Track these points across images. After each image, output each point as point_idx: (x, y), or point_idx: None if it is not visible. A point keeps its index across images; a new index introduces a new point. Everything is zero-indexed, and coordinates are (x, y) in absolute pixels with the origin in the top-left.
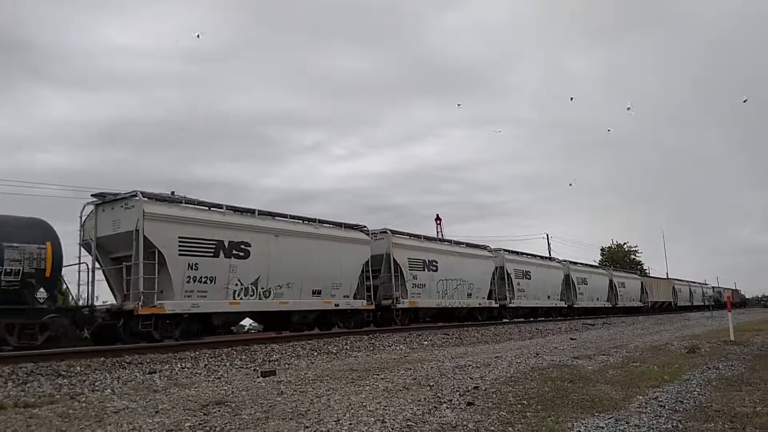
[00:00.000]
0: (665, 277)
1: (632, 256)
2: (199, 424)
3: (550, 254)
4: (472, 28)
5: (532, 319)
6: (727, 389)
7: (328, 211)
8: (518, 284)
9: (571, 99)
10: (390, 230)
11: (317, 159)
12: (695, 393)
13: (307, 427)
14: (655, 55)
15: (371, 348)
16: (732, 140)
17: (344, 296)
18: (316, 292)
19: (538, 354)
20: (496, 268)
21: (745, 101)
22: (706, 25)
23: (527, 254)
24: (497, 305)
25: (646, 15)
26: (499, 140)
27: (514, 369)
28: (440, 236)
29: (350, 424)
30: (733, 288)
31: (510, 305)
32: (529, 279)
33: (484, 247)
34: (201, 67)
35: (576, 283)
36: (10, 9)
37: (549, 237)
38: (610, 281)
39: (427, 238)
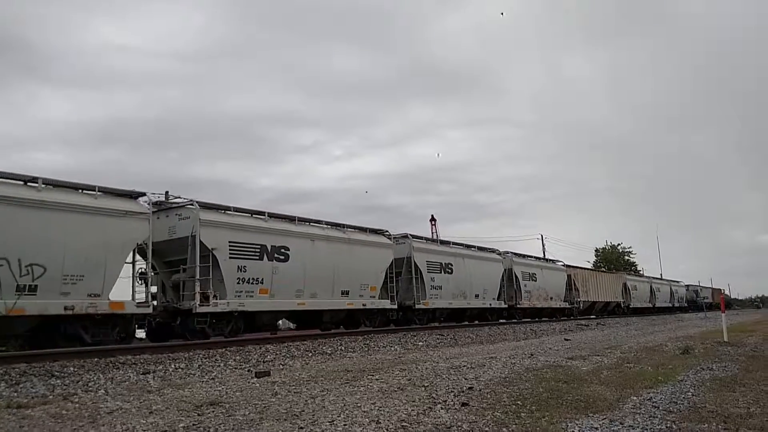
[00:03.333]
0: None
1: (626, 257)
2: (193, 424)
3: (544, 255)
4: (471, 30)
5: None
6: (721, 390)
7: (325, 211)
8: (275, 270)
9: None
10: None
11: (314, 159)
12: (689, 394)
13: (301, 428)
14: (655, 57)
15: (366, 349)
16: (730, 142)
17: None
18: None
19: (532, 355)
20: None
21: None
22: (706, 27)
23: (301, 220)
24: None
25: (646, 17)
26: (497, 141)
27: (509, 370)
28: (435, 237)
29: (345, 424)
30: (715, 287)
31: (229, 310)
32: (285, 261)
33: (184, 204)
34: (198, 66)
35: (428, 272)
36: (8, 8)
37: (543, 238)
38: (508, 272)
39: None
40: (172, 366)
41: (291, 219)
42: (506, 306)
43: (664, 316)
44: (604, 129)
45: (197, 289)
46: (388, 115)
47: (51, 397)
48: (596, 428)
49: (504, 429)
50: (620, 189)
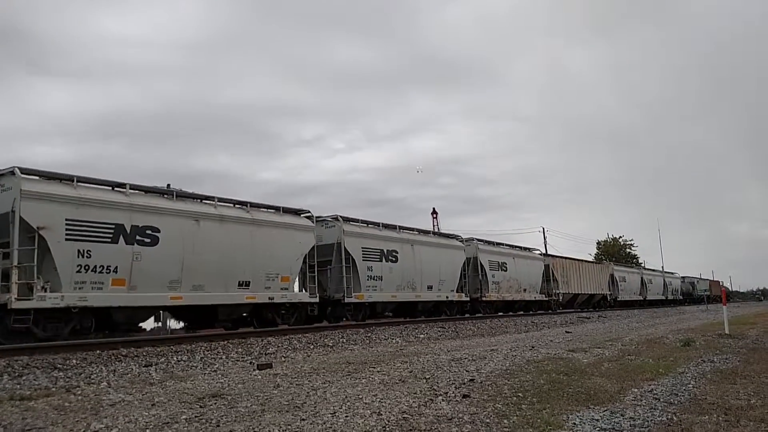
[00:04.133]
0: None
1: (628, 250)
2: (195, 416)
3: (546, 249)
4: (472, 21)
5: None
6: (722, 382)
7: (327, 204)
8: (138, 257)
9: None
10: None
11: (316, 152)
12: (690, 386)
13: (303, 419)
14: (657, 50)
15: (367, 341)
16: (732, 134)
17: None
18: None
19: (533, 347)
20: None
21: None
22: (709, 20)
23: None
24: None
25: (649, 9)
26: (498, 134)
27: (510, 362)
28: (437, 230)
29: (346, 416)
30: (713, 279)
31: (63, 305)
32: (154, 245)
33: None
34: (199, 58)
35: (363, 260)
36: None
37: (545, 231)
38: (473, 261)
39: None
40: (175, 358)
41: (167, 193)
42: (468, 299)
43: (665, 309)
44: (606, 121)
45: (14, 278)
46: (389, 108)
47: (54, 389)
48: (597, 420)
49: (505, 421)
50: (622, 181)
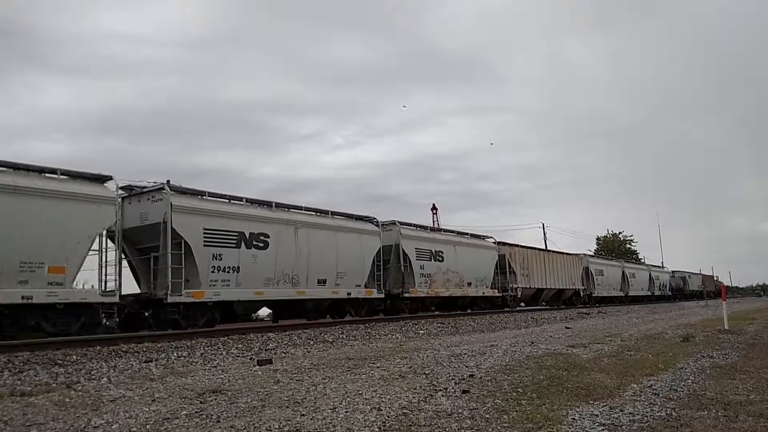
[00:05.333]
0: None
1: (628, 246)
2: (196, 412)
3: (545, 245)
4: (473, 16)
5: None
6: (721, 377)
7: (327, 200)
8: None
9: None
10: None
11: (316, 148)
12: (689, 381)
13: (303, 414)
14: (656, 43)
15: (367, 337)
16: (732, 128)
17: None
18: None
19: (533, 343)
20: None
21: None
22: (709, 13)
23: None
24: None
25: (651, 3)
26: (498, 129)
27: (509, 357)
28: (437, 226)
29: (346, 412)
30: (706, 274)
31: None
32: None
33: None
34: (199, 54)
35: (205, 246)
36: None
37: (545, 226)
38: (394, 248)
39: None
40: (175, 354)
41: None
42: (382, 295)
43: (665, 305)
44: (606, 116)
45: None
46: (389, 103)
47: (54, 385)
48: (596, 415)
49: (504, 416)
50: (622, 177)
